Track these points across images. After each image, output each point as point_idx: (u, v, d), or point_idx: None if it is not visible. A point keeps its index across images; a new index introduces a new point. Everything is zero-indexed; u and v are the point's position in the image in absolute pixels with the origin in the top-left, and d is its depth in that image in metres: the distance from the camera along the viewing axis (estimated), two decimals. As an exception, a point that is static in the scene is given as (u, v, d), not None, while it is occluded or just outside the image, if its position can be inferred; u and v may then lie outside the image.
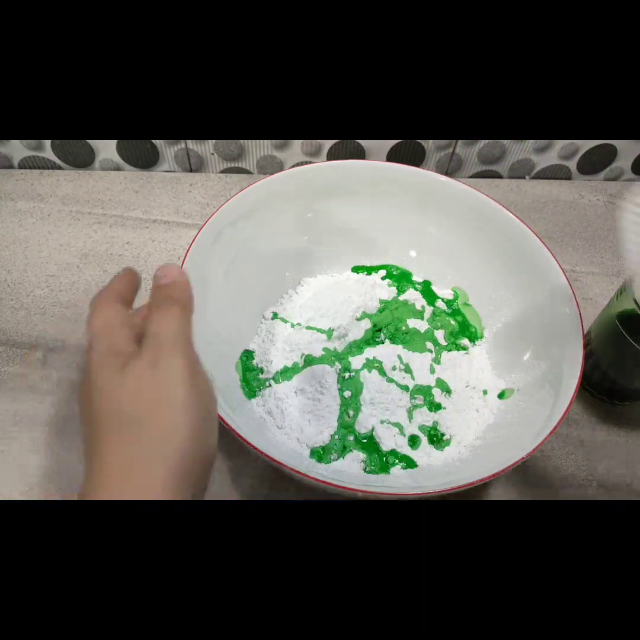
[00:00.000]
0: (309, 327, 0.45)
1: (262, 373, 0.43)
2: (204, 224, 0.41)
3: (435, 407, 0.41)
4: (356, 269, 0.49)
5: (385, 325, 0.45)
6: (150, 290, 0.28)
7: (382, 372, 0.42)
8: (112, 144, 0.57)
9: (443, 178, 0.46)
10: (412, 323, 0.45)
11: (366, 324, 0.45)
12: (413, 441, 0.40)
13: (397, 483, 0.38)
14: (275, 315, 0.46)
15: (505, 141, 0.59)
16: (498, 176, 0.62)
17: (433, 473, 0.38)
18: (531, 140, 0.59)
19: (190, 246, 0.40)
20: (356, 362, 0.43)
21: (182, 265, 0.38)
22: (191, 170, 0.60)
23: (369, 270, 0.49)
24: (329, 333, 0.44)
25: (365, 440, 0.40)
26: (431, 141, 0.58)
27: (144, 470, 0.22)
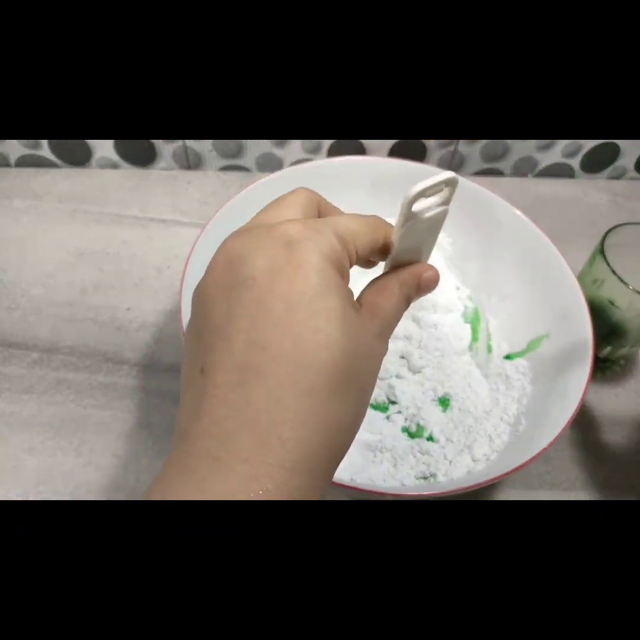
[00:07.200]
0: None
1: None
2: (206, 225, 0.41)
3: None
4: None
5: None
6: (409, 272, 0.26)
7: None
8: (109, 141, 0.57)
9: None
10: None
11: None
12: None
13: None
14: None
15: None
16: (501, 174, 0.62)
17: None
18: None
19: (192, 248, 0.39)
20: None
21: (186, 264, 0.37)
22: (189, 168, 0.59)
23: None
24: None
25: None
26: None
27: None
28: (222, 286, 0.21)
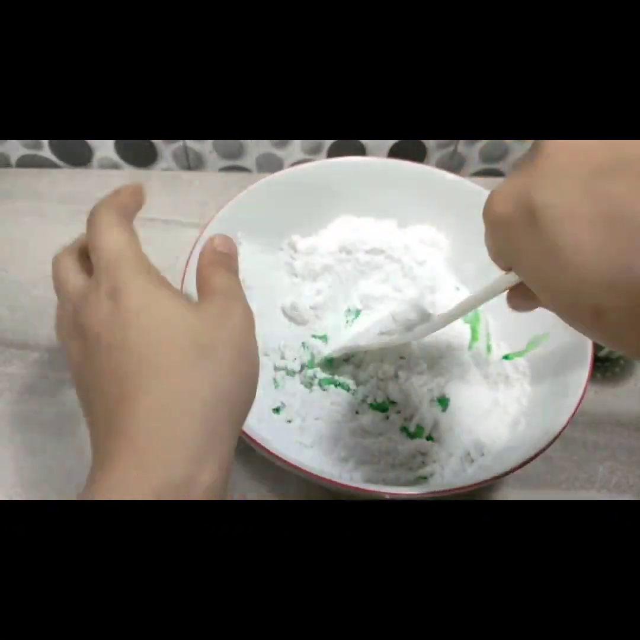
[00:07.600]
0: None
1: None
2: (206, 225, 0.41)
3: None
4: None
5: None
6: (202, 252, 0.29)
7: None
8: (109, 142, 0.57)
9: (449, 175, 0.45)
10: None
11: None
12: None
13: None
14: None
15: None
16: (500, 174, 0.62)
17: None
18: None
19: (193, 248, 0.39)
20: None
21: (186, 264, 0.38)
22: (190, 168, 0.59)
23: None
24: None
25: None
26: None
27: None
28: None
